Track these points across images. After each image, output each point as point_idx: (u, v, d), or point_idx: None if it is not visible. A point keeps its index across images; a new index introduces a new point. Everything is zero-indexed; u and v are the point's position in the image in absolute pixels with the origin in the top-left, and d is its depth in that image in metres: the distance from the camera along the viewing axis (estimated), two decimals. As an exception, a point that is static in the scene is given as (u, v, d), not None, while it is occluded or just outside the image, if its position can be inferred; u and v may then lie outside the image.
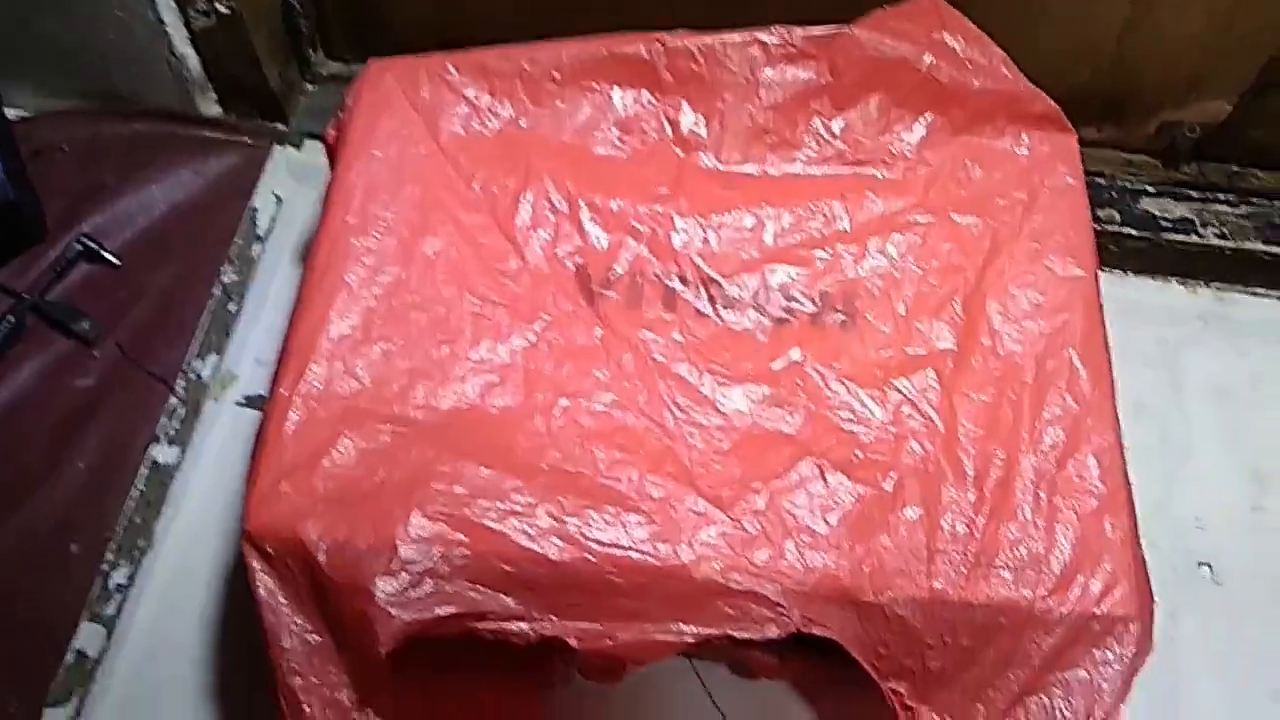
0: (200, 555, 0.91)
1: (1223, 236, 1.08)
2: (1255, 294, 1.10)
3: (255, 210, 1.08)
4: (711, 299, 0.79)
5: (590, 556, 0.68)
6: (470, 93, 0.85)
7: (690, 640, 0.67)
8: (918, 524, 0.72)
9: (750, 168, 0.84)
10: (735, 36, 0.83)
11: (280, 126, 1.13)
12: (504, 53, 0.84)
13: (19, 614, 0.86)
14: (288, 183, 1.09)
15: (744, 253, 0.81)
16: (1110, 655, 0.70)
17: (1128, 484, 0.75)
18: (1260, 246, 1.08)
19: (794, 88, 0.84)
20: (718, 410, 0.75)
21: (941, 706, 0.71)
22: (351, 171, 0.80)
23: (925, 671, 0.70)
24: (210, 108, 1.12)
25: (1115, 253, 1.10)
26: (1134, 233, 1.08)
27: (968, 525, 0.72)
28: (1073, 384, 0.77)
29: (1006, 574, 0.71)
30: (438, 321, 0.76)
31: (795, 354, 0.77)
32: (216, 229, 1.06)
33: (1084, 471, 0.74)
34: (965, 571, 0.71)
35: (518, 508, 0.69)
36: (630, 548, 0.69)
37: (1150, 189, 1.10)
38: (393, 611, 0.66)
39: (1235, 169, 1.11)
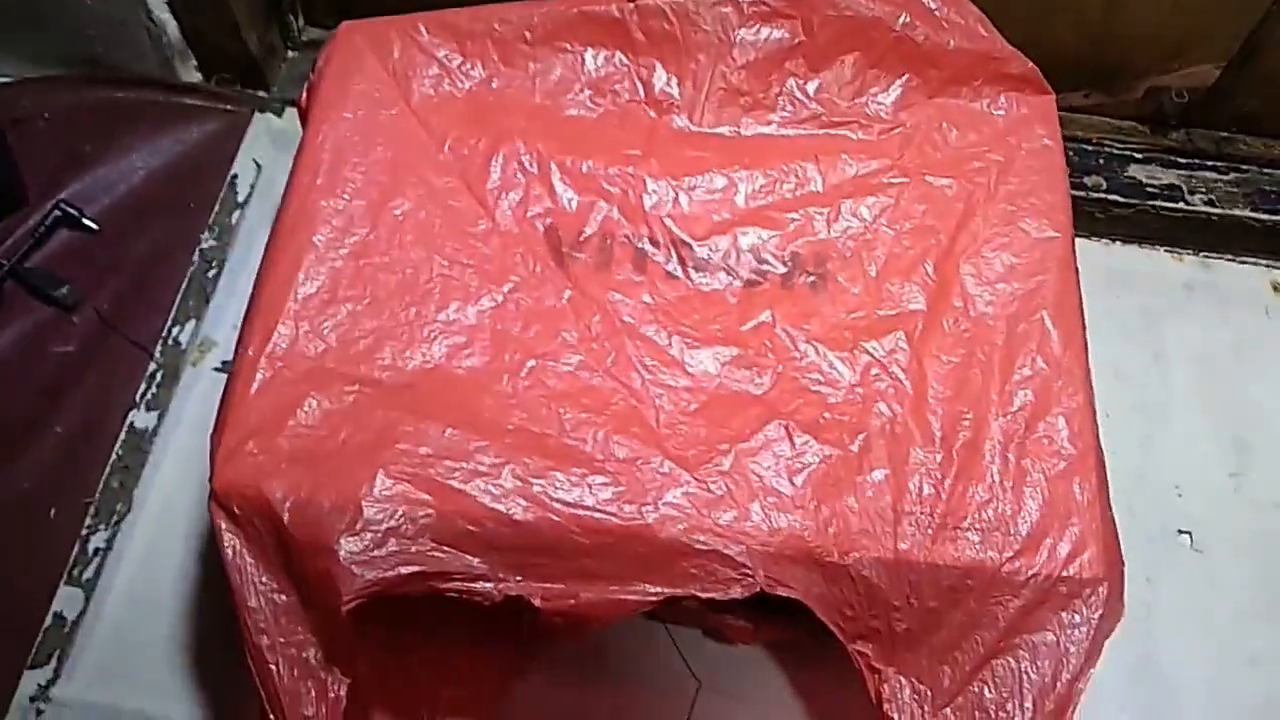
0: (178, 518, 0.91)
1: (1210, 203, 1.07)
2: (1242, 262, 1.09)
3: (235, 177, 1.08)
4: (682, 261, 0.79)
5: (555, 517, 0.68)
6: (441, 54, 0.84)
7: (654, 600, 0.67)
8: (884, 485, 0.71)
9: (723, 129, 0.84)
10: (707, -5, 0.82)
11: (261, 94, 1.13)
12: (475, 13, 0.84)
13: (0, 577, 0.87)
14: (268, 150, 1.09)
15: (715, 214, 0.80)
16: (1078, 618, 0.70)
17: (1098, 446, 0.74)
18: (1248, 214, 1.07)
19: (767, 48, 0.83)
20: (686, 372, 0.74)
21: (908, 668, 0.70)
22: (320, 134, 0.80)
23: (891, 633, 0.70)
24: (191, 74, 1.11)
25: (1102, 220, 1.09)
26: (1120, 199, 1.07)
27: (935, 487, 0.71)
28: (1044, 346, 0.76)
29: (973, 536, 0.70)
30: (406, 283, 0.76)
31: (765, 316, 0.77)
32: (197, 196, 1.06)
33: (1053, 434, 0.73)
34: (931, 533, 0.70)
35: (482, 468, 0.69)
36: (595, 508, 0.68)
37: (1138, 155, 1.10)
38: (355, 570, 0.65)
39: (1224, 135, 1.10)
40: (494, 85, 0.84)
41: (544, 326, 0.75)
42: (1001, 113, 0.85)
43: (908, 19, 0.83)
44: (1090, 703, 0.68)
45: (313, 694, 0.68)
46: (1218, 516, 0.94)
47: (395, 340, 0.74)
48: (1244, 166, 1.09)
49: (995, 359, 0.76)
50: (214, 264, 1.03)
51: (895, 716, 0.69)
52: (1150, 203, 1.07)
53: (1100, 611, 0.69)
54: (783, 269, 0.79)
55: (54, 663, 0.84)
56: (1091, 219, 1.08)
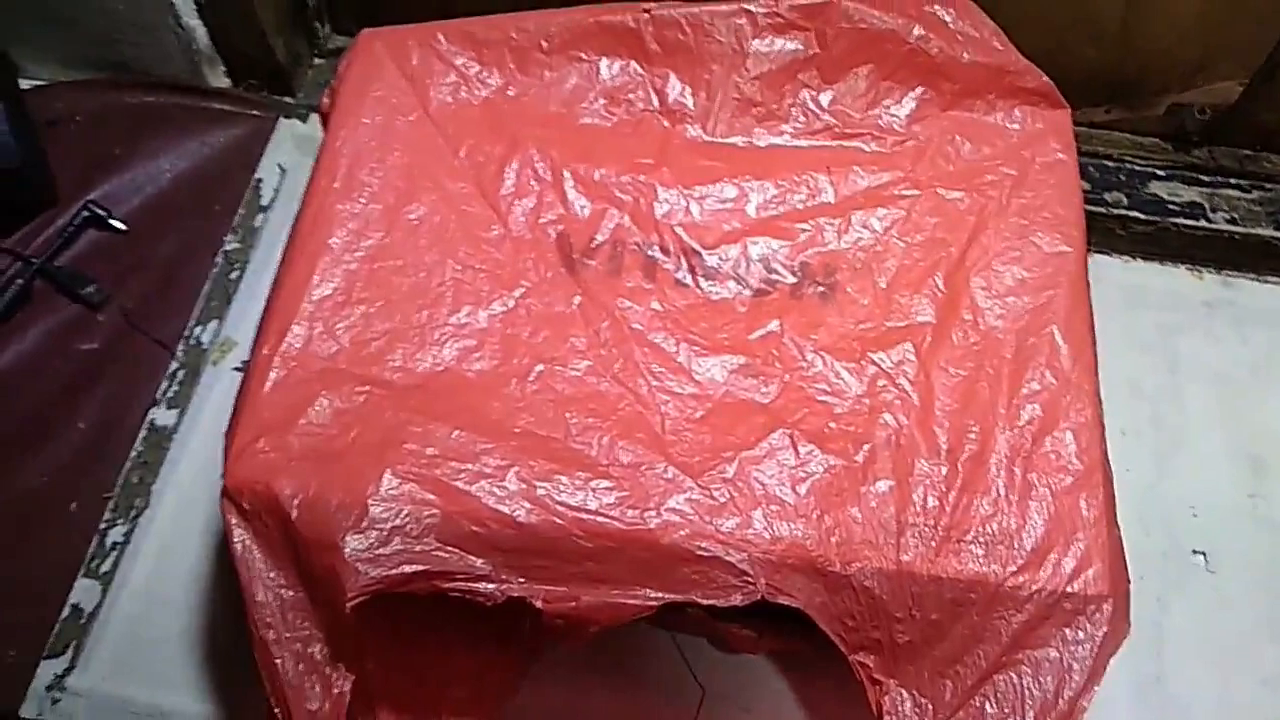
0: (194, 515, 0.92)
1: (1233, 222, 1.06)
2: (1264, 281, 1.08)
3: (260, 181, 1.09)
4: (691, 269, 0.79)
5: (558, 520, 0.69)
6: (459, 62, 0.85)
7: (654, 604, 0.67)
8: (888, 496, 0.71)
9: (736, 139, 0.84)
10: (723, 7, 0.83)
11: (286, 99, 1.14)
12: (493, 22, 0.85)
13: (20, 568, 0.89)
14: (292, 154, 1.11)
15: (726, 224, 0.80)
16: (1081, 635, 0.69)
17: (1106, 463, 0.74)
18: (1271, 232, 1.06)
19: (781, 59, 0.84)
20: (692, 379, 0.75)
21: (909, 681, 0.70)
22: (339, 139, 0.81)
23: (893, 645, 0.70)
24: (219, 80, 1.14)
25: (1122, 236, 1.08)
26: (1141, 216, 1.06)
27: (939, 499, 0.71)
28: (1053, 360, 0.76)
29: (977, 549, 0.70)
30: (419, 286, 0.77)
31: (773, 325, 0.77)
32: (222, 198, 1.08)
33: (1060, 449, 0.73)
34: (935, 545, 0.70)
35: (488, 470, 0.70)
36: (598, 512, 0.69)
37: (1159, 172, 1.09)
38: (360, 567, 0.66)
39: (1247, 153, 1.09)
40: (510, 93, 0.85)
41: (553, 331, 0.76)
42: (1016, 126, 0.85)
43: (922, 32, 0.83)
44: (1098, 722, 0.68)
45: (317, 689, 0.69)
46: (1233, 537, 0.93)
47: (407, 342, 0.75)
48: (1267, 185, 1.08)
49: (1004, 373, 0.76)
50: (236, 265, 1.04)
51: (895, 728, 0.69)
52: (1171, 220, 1.06)
53: (1105, 629, 0.69)
54: (792, 279, 0.79)
55: (70, 653, 0.86)
56: (1112, 235, 1.08)
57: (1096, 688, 0.69)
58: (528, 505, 0.69)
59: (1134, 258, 1.09)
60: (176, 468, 0.95)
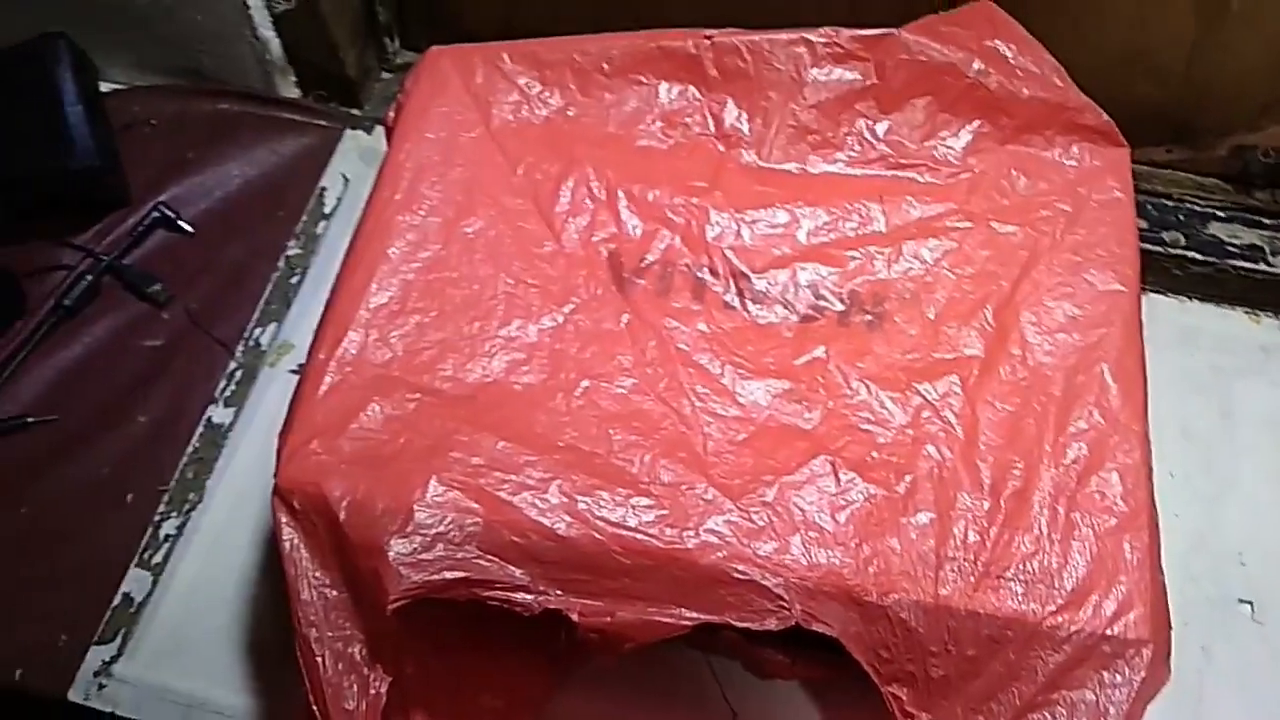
0: (246, 512, 0.95)
1: (1294, 266, 1.04)
2: (1326, 329, 1.06)
3: (324, 189, 1.12)
4: (740, 292, 0.80)
5: (597, 535, 0.69)
6: (522, 81, 0.87)
7: (689, 624, 0.68)
8: (928, 529, 0.71)
9: (790, 166, 0.85)
10: (783, 35, 0.84)
11: (354, 111, 1.17)
12: (557, 44, 0.87)
13: (76, 555, 0.91)
14: (356, 165, 1.14)
15: (776, 249, 0.81)
16: (1119, 678, 0.68)
17: (1152, 506, 0.73)
18: (1334, 279, 1.04)
19: (839, 88, 0.84)
20: (736, 401, 0.75)
21: (942, 716, 0.70)
22: (403, 151, 0.84)
23: (927, 679, 0.69)
24: (289, 90, 1.17)
25: (1179, 277, 1.07)
26: (1199, 257, 1.05)
27: (980, 534, 0.71)
28: (1102, 400, 0.75)
29: (1016, 586, 0.70)
30: (472, 298, 0.78)
31: (819, 351, 0.77)
32: (287, 205, 1.11)
33: (1106, 489, 0.72)
34: (974, 580, 0.70)
35: (531, 481, 0.71)
36: (637, 529, 0.70)
37: (1220, 214, 1.07)
38: (403, 571, 0.68)
39: (1311, 197, 1.07)
40: (570, 113, 0.87)
41: (601, 348, 0.77)
42: (1073, 163, 0.85)
43: (982, 66, 0.83)
44: (1134, 770, 0.67)
45: (355, 688, 0.70)
46: (1282, 588, 0.91)
47: (458, 353, 0.77)
48: (1332, 231, 1.06)
49: (1051, 410, 0.75)
50: (297, 271, 1.07)
51: (927, 762, 0.69)
52: (1230, 262, 1.04)
53: (1143, 674, 0.68)
54: (840, 306, 0.80)
55: (119, 640, 0.88)
56: (1169, 275, 1.06)
57: (1133, 733, 0.68)
58: (568, 519, 0.70)
59: (1190, 299, 1.07)
60: (230, 464, 0.97)
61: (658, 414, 0.75)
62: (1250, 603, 0.91)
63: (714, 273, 0.80)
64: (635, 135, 0.86)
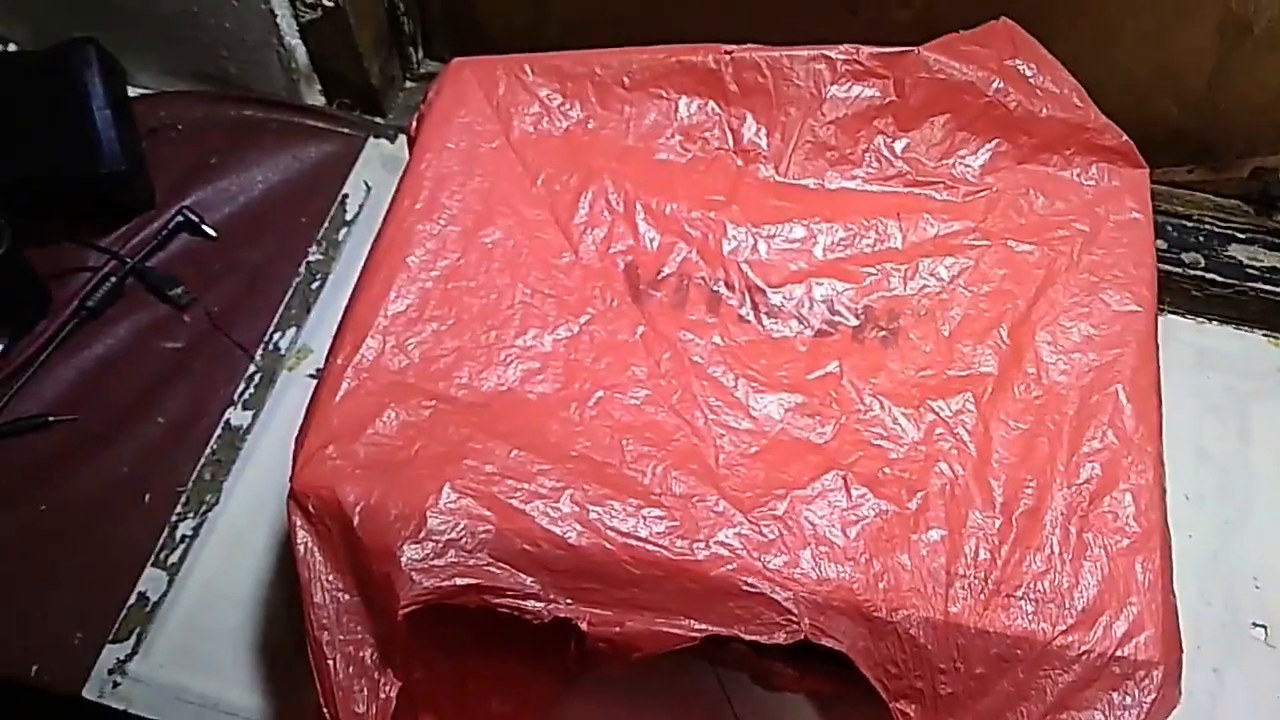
0: (262, 514, 0.95)
1: (1314, 290, 1.04)
2: (1346, 353, 1.05)
3: (346, 196, 1.13)
4: (755, 306, 0.80)
5: (608, 544, 0.70)
6: (543, 93, 0.88)
7: (698, 635, 0.68)
8: (939, 546, 0.71)
9: (808, 181, 0.85)
10: (803, 52, 0.84)
11: (377, 119, 1.18)
12: (578, 57, 0.87)
13: (92, 553, 0.92)
14: (379, 173, 1.15)
15: (792, 263, 0.81)
16: (1129, 700, 0.68)
17: (1165, 527, 0.73)
18: (1353, 303, 1.03)
19: (858, 105, 0.85)
20: (749, 415, 0.76)
21: (950, 733, 0.70)
22: (424, 161, 0.84)
23: (935, 695, 0.69)
24: (314, 98, 1.18)
25: (1198, 298, 1.06)
26: (1219, 279, 1.05)
27: (991, 552, 0.71)
28: (1116, 420, 0.75)
29: (1027, 605, 0.70)
30: (489, 307, 0.79)
31: (833, 366, 0.78)
32: (309, 211, 1.12)
33: (1118, 509, 0.72)
34: (984, 598, 0.70)
35: (543, 490, 0.71)
36: (647, 539, 0.70)
37: (1240, 235, 1.07)
38: (415, 577, 0.68)
39: (1333, 221, 1.07)
40: (590, 126, 0.87)
41: (615, 359, 0.78)
42: (1092, 183, 0.85)
43: (1002, 85, 0.84)
44: (1142, 793, 0.67)
45: (365, 692, 0.70)
46: (1297, 613, 0.90)
47: (473, 361, 0.77)
48: (1353, 254, 1.05)
49: (1064, 429, 0.75)
50: (318, 276, 1.08)
51: (934, 780, 0.69)
52: (1250, 284, 1.04)
53: (1153, 696, 0.68)
54: (855, 322, 0.80)
55: (134, 639, 0.89)
56: (1187, 296, 1.06)
57: (1141, 755, 0.68)
58: (579, 528, 0.70)
59: (1209, 320, 1.07)
60: (247, 467, 0.98)
61: (670, 425, 0.75)
62: (1265, 626, 0.90)
63: (730, 286, 0.81)
64: (654, 148, 0.87)
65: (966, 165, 0.85)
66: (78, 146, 1.02)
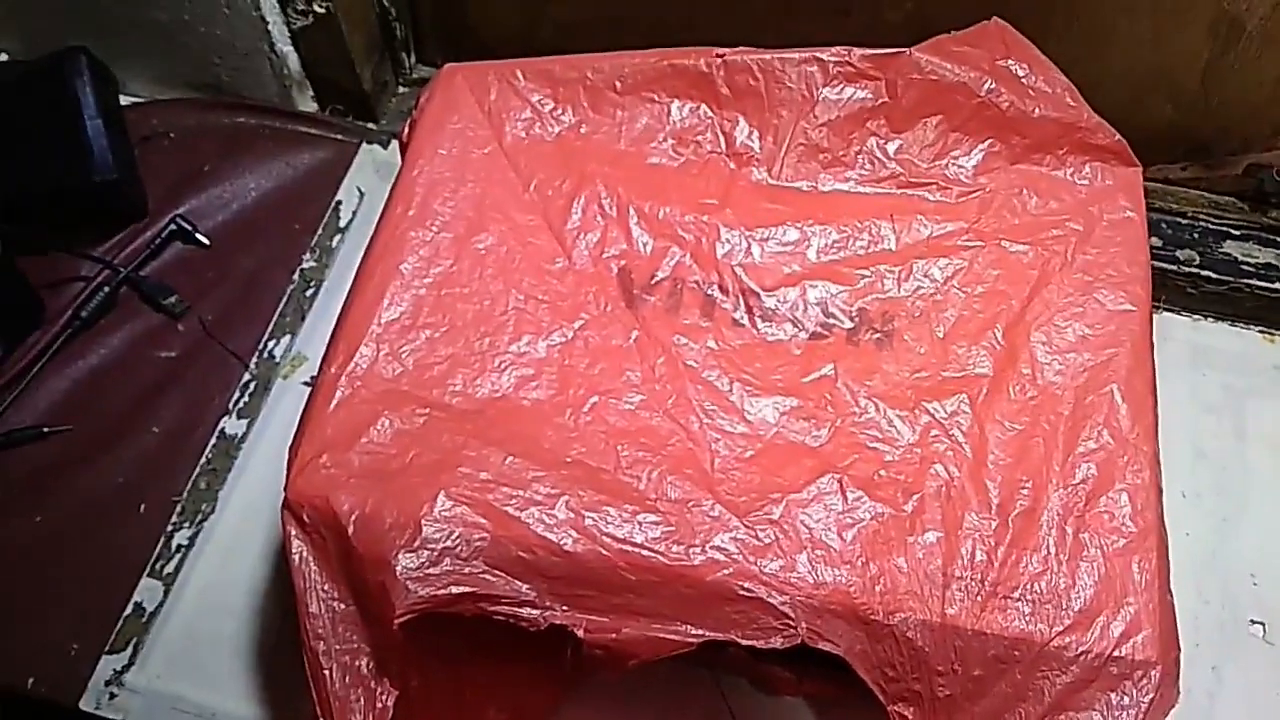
0: (256, 523, 0.95)
1: (1309, 286, 1.04)
2: (1341, 348, 1.05)
3: (339, 203, 1.13)
4: (749, 309, 0.80)
5: (604, 551, 0.70)
6: (535, 98, 0.88)
7: (694, 641, 0.68)
8: (935, 548, 0.71)
9: (801, 184, 0.85)
10: (794, 54, 0.84)
11: (369, 125, 1.18)
12: (570, 61, 0.87)
13: (88, 564, 0.92)
14: (372, 179, 1.15)
15: (786, 266, 0.81)
16: (1126, 700, 0.68)
17: (1161, 527, 0.73)
18: (1349, 299, 1.03)
19: (850, 107, 0.85)
20: (744, 419, 0.76)
21: (948, 735, 0.70)
22: (416, 167, 0.84)
23: (933, 698, 0.69)
24: (306, 104, 1.18)
25: (1193, 295, 1.07)
26: (1214, 275, 1.05)
27: (987, 554, 0.71)
28: (1111, 420, 0.75)
29: (1024, 606, 0.70)
30: (482, 314, 0.79)
31: (827, 369, 0.77)
32: (302, 218, 1.12)
33: (1114, 509, 0.72)
34: (981, 600, 0.70)
35: (538, 497, 0.71)
36: (643, 545, 0.70)
37: (1234, 232, 1.07)
38: (410, 586, 0.68)
39: (1327, 217, 1.06)
40: (582, 130, 0.87)
41: (609, 365, 0.77)
42: (1085, 182, 0.85)
43: (994, 85, 0.84)
44: (1141, 792, 0.67)
45: (362, 701, 0.70)
46: (1295, 610, 0.90)
47: (467, 368, 0.77)
48: (1348, 250, 1.05)
49: (1060, 429, 0.75)
50: (312, 283, 1.08)
51: (933, 782, 0.68)
52: (1245, 281, 1.04)
53: (1151, 695, 0.68)
54: (849, 324, 0.80)
55: (130, 650, 0.89)
56: (1182, 293, 1.06)
57: (1140, 755, 0.68)
58: (575, 534, 0.70)
59: (1204, 317, 1.07)
60: (243, 476, 0.98)
61: (665, 430, 0.75)
62: (1262, 624, 0.90)
63: (723, 290, 0.81)
64: (646, 152, 0.86)
65: (960, 166, 0.85)
66: (70, 156, 1.02)
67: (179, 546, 0.94)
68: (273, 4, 1.05)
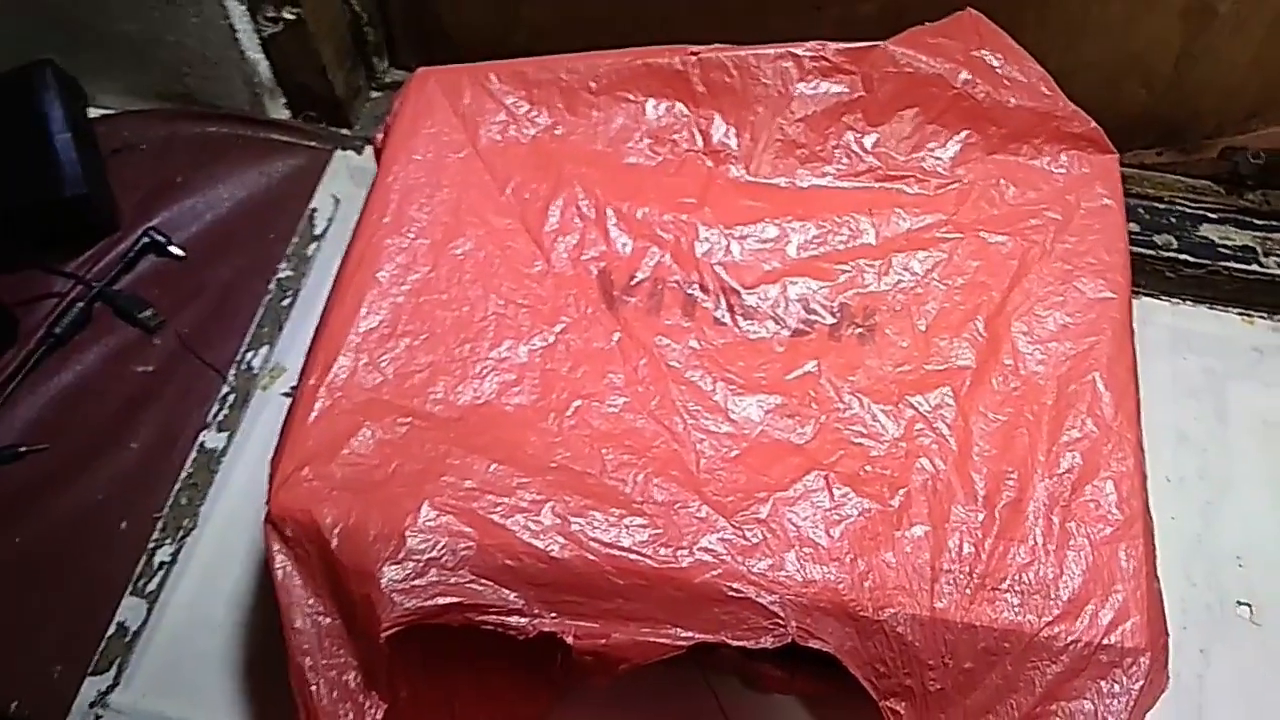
0: (239, 538, 0.94)
1: (1286, 267, 1.04)
2: (1319, 328, 1.06)
3: (314, 211, 1.12)
4: (730, 308, 0.80)
5: (591, 556, 0.69)
6: (510, 101, 0.87)
7: (684, 644, 0.67)
8: (923, 542, 0.71)
9: (779, 180, 0.85)
10: (769, 50, 0.84)
11: (343, 131, 1.17)
12: (543, 63, 0.87)
13: (69, 584, 0.91)
14: (347, 185, 1.14)
15: (766, 263, 0.81)
16: (1117, 688, 0.68)
17: (1147, 513, 0.73)
18: (1326, 279, 1.04)
19: (826, 102, 0.84)
20: (729, 418, 0.75)
21: (941, 729, 0.70)
22: (391, 174, 0.84)
23: (925, 692, 0.69)
24: (279, 111, 1.17)
25: (1172, 279, 1.07)
26: (1192, 259, 1.05)
27: (975, 546, 0.71)
28: (1094, 408, 0.75)
29: (1012, 598, 0.70)
30: (462, 320, 0.78)
31: (810, 366, 0.77)
32: (277, 227, 1.10)
33: (1100, 498, 0.72)
34: (970, 593, 0.70)
35: (524, 504, 0.71)
36: (631, 549, 0.69)
37: (1211, 215, 1.07)
38: (396, 598, 0.67)
39: (1302, 198, 1.07)
40: (558, 132, 0.87)
41: (592, 367, 0.77)
42: (1062, 171, 0.85)
43: (969, 76, 0.83)
44: (1134, 777, 0.67)
45: (350, 716, 0.70)
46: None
47: (448, 375, 0.76)
48: (1323, 231, 1.06)
49: (1044, 419, 0.75)
50: (289, 293, 1.07)
51: (927, 776, 0.68)
52: (1222, 264, 1.04)
53: (1141, 682, 0.68)
54: (831, 320, 0.80)
55: (114, 670, 0.88)
56: (1161, 278, 1.07)
57: (1131, 742, 0.68)
58: (562, 540, 0.70)
59: (1183, 301, 1.07)
60: (224, 490, 0.97)
61: (650, 432, 0.74)
62: (1249, 605, 0.90)
63: (704, 289, 0.80)
64: (623, 153, 0.86)
65: (937, 158, 0.85)
66: (38, 172, 1.01)
67: (161, 564, 0.93)
68: (242, 11, 1.04)
